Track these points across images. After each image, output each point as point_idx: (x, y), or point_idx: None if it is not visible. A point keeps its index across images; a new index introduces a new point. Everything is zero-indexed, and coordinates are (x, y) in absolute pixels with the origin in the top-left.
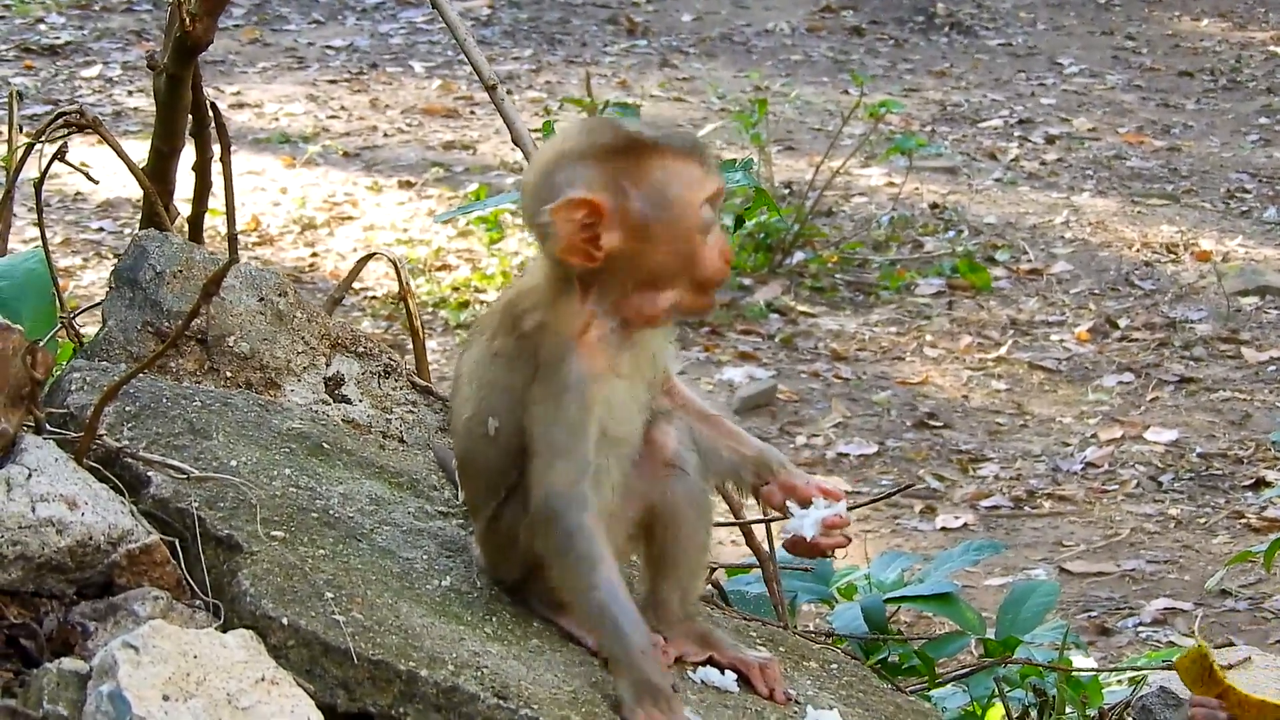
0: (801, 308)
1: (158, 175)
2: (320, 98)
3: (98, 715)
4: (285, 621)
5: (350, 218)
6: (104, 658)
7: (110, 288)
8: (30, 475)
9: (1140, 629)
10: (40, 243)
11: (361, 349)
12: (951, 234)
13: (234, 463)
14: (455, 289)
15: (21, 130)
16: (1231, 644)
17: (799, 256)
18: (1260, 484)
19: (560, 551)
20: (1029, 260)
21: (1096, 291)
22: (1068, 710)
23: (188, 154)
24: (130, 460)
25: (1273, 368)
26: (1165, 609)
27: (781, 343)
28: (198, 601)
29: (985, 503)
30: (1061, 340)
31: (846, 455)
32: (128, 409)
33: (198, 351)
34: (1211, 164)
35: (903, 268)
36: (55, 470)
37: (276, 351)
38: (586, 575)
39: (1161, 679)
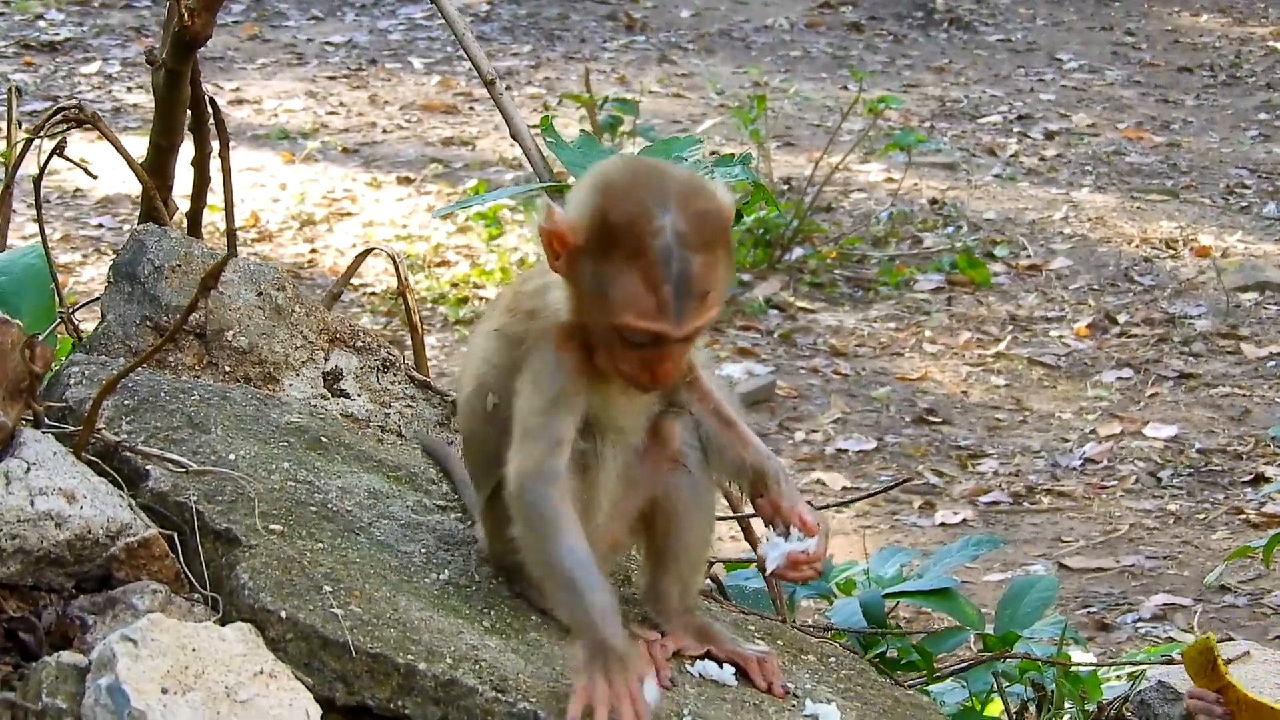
0: (800, 304)
1: (156, 170)
2: (319, 94)
3: (96, 708)
4: (284, 615)
5: (349, 214)
6: (103, 651)
7: (109, 282)
8: (29, 469)
9: (1139, 624)
10: (39, 238)
11: (360, 343)
12: (951, 230)
13: (232, 456)
14: (454, 285)
15: (21, 126)
16: (1231, 639)
17: (798, 252)
18: (1259, 479)
19: (526, 522)
20: (1028, 256)
21: (1096, 287)
22: (1066, 705)
23: (187, 150)
24: (129, 454)
25: (1272, 363)
26: (1164, 604)
27: (780, 339)
28: (196, 595)
29: (984, 498)
30: (1061, 336)
31: (845, 451)
32: (126, 403)
33: (196, 346)
34: (1211, 159)
35: (902, 264)
36: (54, 464)
37: (275, 346)
38: (550, 541)
39: (1160, 673)
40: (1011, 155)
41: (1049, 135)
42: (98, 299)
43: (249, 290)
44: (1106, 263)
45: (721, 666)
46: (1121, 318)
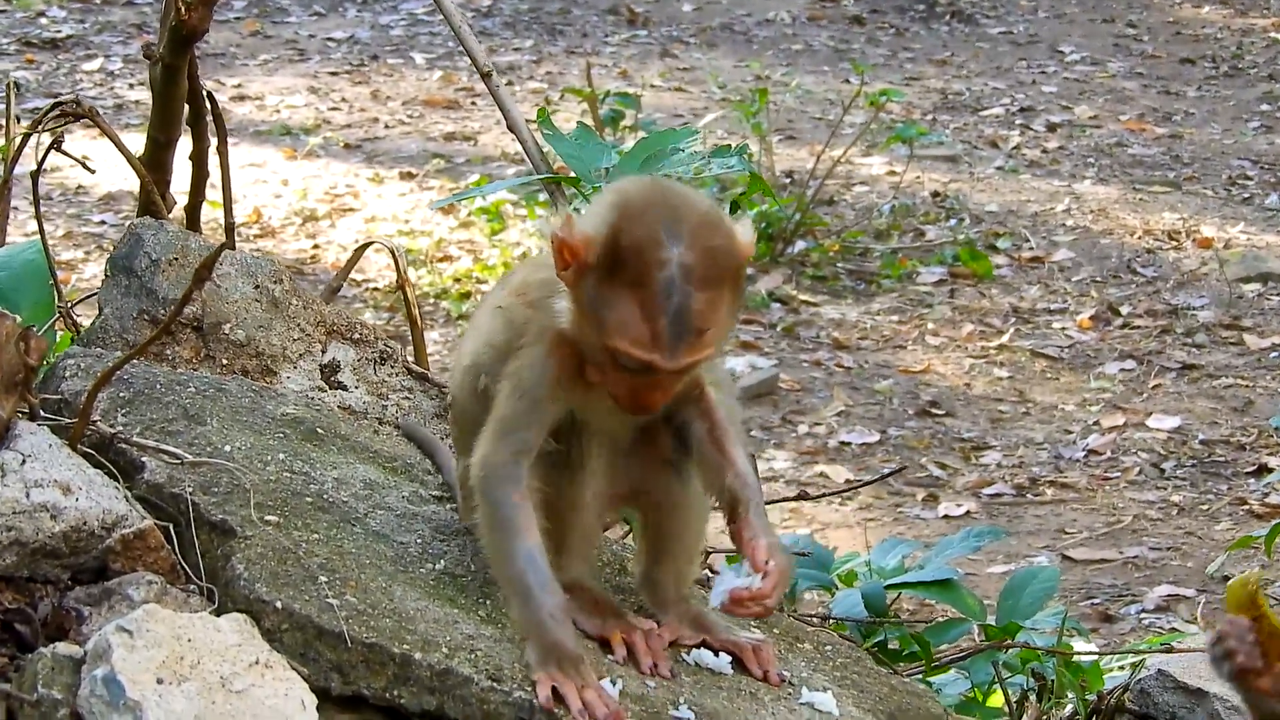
0: (803, 297)
1: (154, 165)
2: (321, 90)
3: (92, 699)
4: (279, 605)
5: (352, 209)
6: (98, 642)
7: (106, 276)
8: (24, 461)
9: (1143, 615)
10: (39, 234)
11: (357, 336)
12: (953, 222)
13: (228, 448)
14: (457, 280)
15: (20, 122)
16: None
17: (800, 245)
18: (1262, 470)
19: (486, 521)
20: (1031, 248)
21: (1098, 279)
22: (1067, 695)
23: (186, 145)
24: (124, 446)
25: (1275, 354)
26: (1168, 595)
27: (783, 332)
28: (192, 586)
29: (987, 490)
30: (1063, 328)
31: (849, 444)
32: (122, 395)
33: (194, 339)
34: (1213, 151)
35: (904, 256)
36: (49, 456)
37: (272, 339)
38: (507, 545)
39: (1160, 662)
40: (1014, 147)
41: (1051, 127)
42: (95, 294)
43: (246, 283)
44: (1109, 254)
45: (717, 655)
46: (1124, 309)
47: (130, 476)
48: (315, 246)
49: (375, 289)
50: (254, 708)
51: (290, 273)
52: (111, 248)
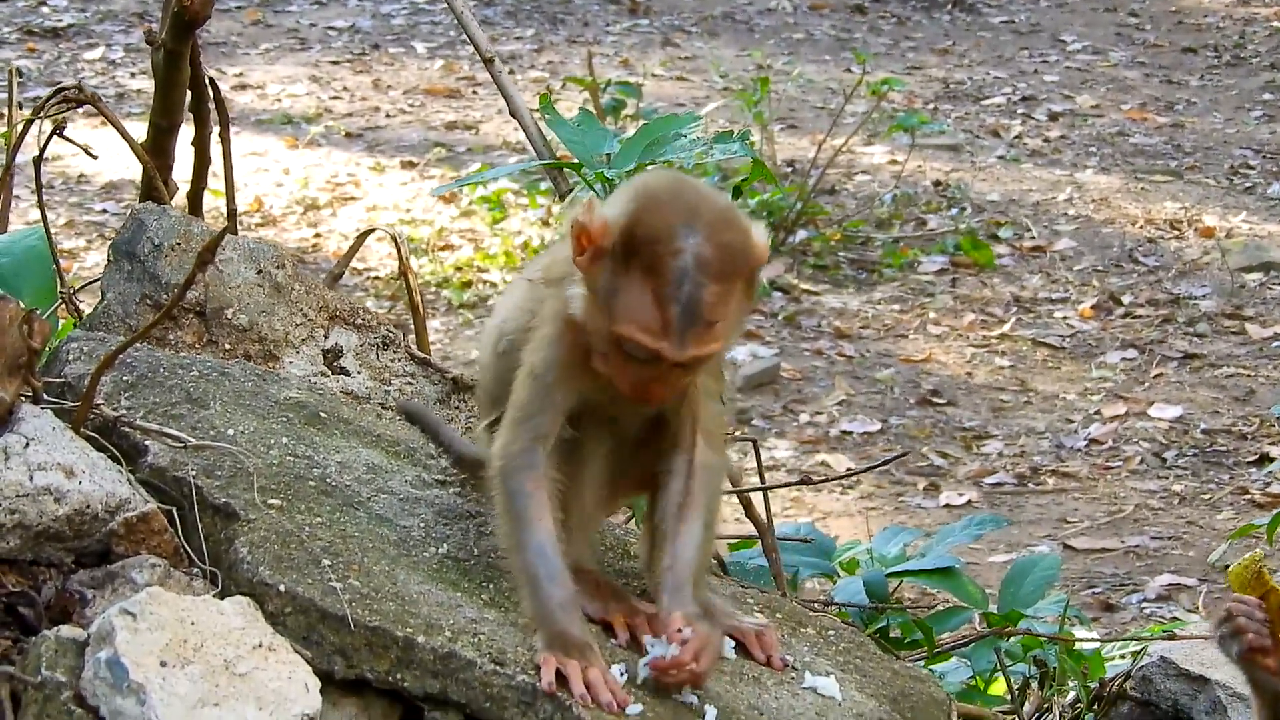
0: (804, 286)
1: (156, 151)
2: (323, 79)
3: (96, 681)
4: (282, 589)
5: (353, 198)
6: (102, 625)
7: (108, 261)
8: (28, 444)
9: (1144, 605)
10: (41, 221)
11: (360, 321)
12: (954, 211)
13: (231, 432)
14: (458, 269)
15: (22, 109)
16: None
17: (802, 235)
18: (1264, 460)
19: (502, 509)
20: (1032, 237)
21: (1100, 268)
22: (1069, 682)
23: (188, 132)
24: (128, 429)
25: (1276, 343)
26: (1169, 585)
27: (785, 321)
28: (195, 569)
29: (989, 480)
30: (1065, 317)
31: (850, 433)
32: (125, 379)
33: (196, 324)
34: (1215, 140)
35: (906, 245)
36: (53, 439)
37: (275, 324)
38: (519, 535)
39: (1162, 649)
40: (1015, 137)
41: (1053, 116)
42: (98, 280)
43: (249, 268)
44: (1111, 244)
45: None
46: (1126, 298)
47: (133, 460)
48: (317, 235)
49: (376, 277)
50: (257, 690)
51: (293, 258)
52: (113, 236)
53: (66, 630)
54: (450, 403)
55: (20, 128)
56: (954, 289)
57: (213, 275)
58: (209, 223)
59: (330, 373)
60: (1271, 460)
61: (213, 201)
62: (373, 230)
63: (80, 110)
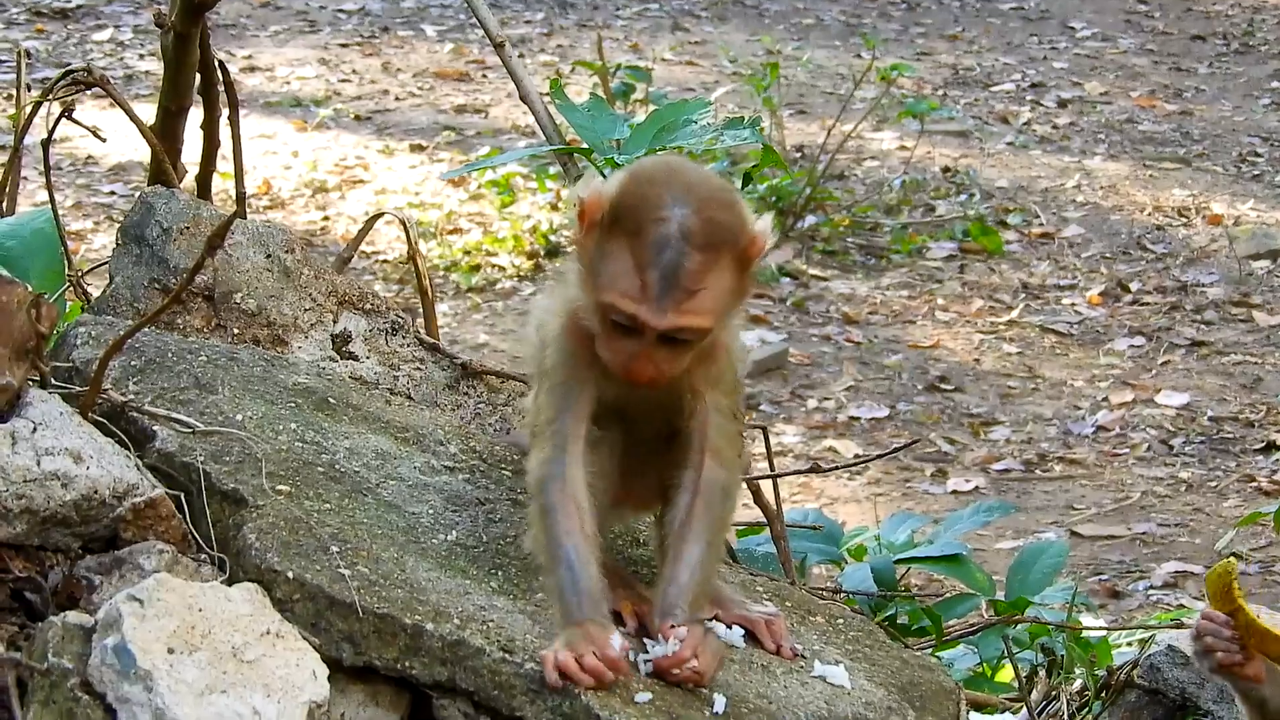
0: (813, 271)
1: (165, 134)
2: (332, 61)
3: (103, 668)
4: (291, 575)
5: (362, 181)
6: (109, 611)
7: (117, 244)
8: (35, 429)
9: (1151, 592)
10: (49, 203)
11: (369, 306)
12: (963, 198)
13: (239, 417)
14: (466, 252)
15: (30, 90)
16: None
17: (811, 220)
18: (1271, 447)
19: (535, 521)
20: (1040, 224)
21: (1108, 255)
22: (1076, 670)
23: (196, 115)
24: (136, 414)
25: None
26: (1176, 572)
27: (793, 306)
28: (203, 555)
29: (996, 466)
30: (1073, 304)
31: (858, 418)
32: (133, 363)
33: (205, 308)
34: (1223, 128)
35: (914, 231)
36: (60, 424)
37: (284, 308)
38: (544, 539)
39: (1170, 638)
40: (1024, 123)
41: (1062, 103)
42: (106, 263)
43: (258, 252)
44: (1119, 231)
45: (730, 628)
46: (1134, 285)
47: (141, 445)
48: (325, 218)
49: (385, 261)
50: (265, 678)
51: (302, 242)
52: (121, 218)
53: (73, 616)
54: (459, 388)
55: (29, 110)
56: (962, 275)
57: (221, 259)
58: (217, 206)
59: (339, 358)
60: (1278, 448)
61: (220, 184)
62: (382, 214)
63: (89, 92)
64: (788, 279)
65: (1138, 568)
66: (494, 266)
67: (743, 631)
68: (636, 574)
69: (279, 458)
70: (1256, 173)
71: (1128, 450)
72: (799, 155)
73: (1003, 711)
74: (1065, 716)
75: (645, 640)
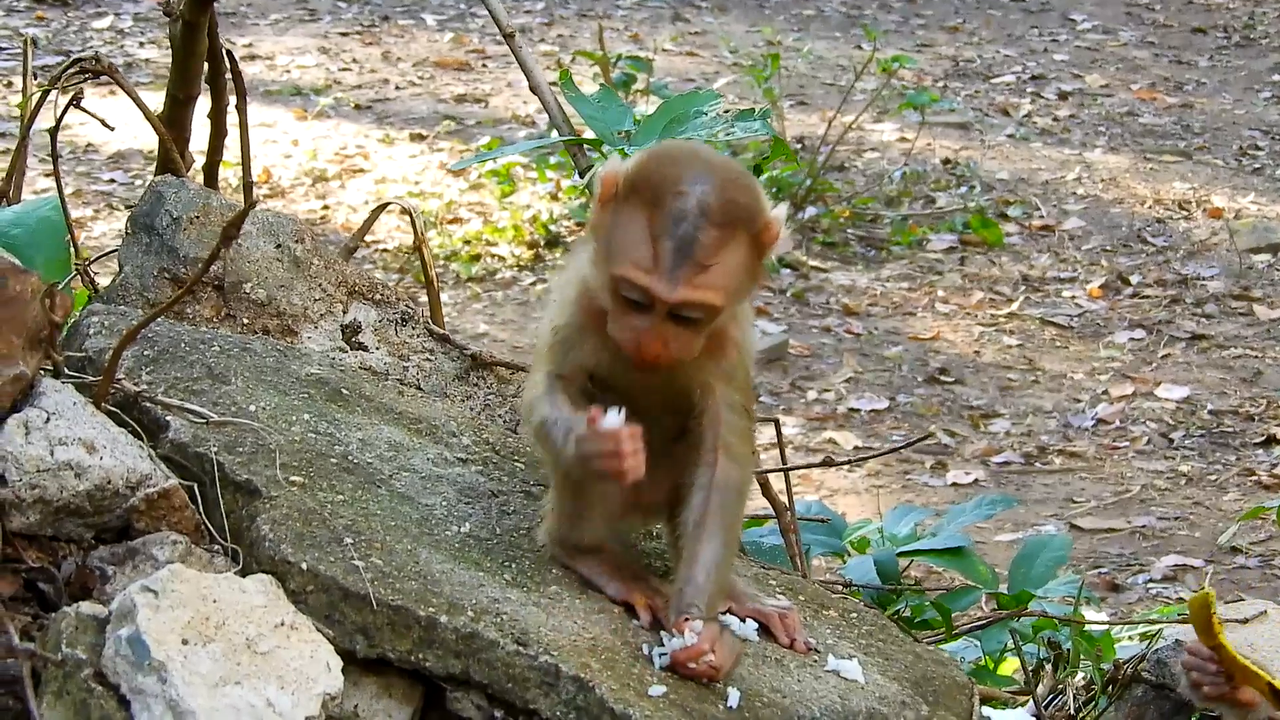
0: (813, 263)
1: (173, 123)
2: (332, 50)
3: (117, 659)
4: (304, 567)
5: (362, 170)
6: (123, 602)
7: (126, 233)
8: (49, 419)
9: (1150, 585)
10: (54, 191)
11: (379, 296)
12: (964, 190)
13: (253, 408)
14: (467, 242)
15: (35, 78)
16: (1242, 600)
17: (811, 211)
18: (1271, 441)
19: (537, 438)
20: (1041, 216)
21: (1108, 248)
22: (1083, 663)
23: (203, 104)
24: (149, 404)
25: None
26: (1175, 565)
27: (793, 297)
28: (216, 546)
29: (996, 458)
30: (1073, 296)
31: (858, 410)
32: (146, 353)
33: (214, 298)
34: (1224, 121)
35: (915, 223)
36: (74, 414)
37: (293, 298)
38: (536, 421)
39: (1176, 632)
40: (1025, 115)
41: (1062, 95)
42: (115, 251)
43: (268, 242)
44: (1119, 223)
45: (744, 622)
46: (1134, 279)
47: (154, 435)
48: (325, 207)
49: (385, 250)
50: (279, 669)
51: (312, 232)
52: (121, 206)
53: (87, 607)
54: (469, 379)
55: (36, 98)
56: (962, 267)
57: (231, 249)
58: (226, 196)
59: (348, 348)
60: (1278, 442)
61: (223, 173)
62: (388, 204)
63: (94, 80)
64: (788, 270)
65: (1137, 561)
66: (494, 256)
67: (756, 625)
68: (649, 568)
69: (292, 449)
70: (1257, 166)
71: (1127, 443)
72: (800, 147)
73: (1005, 705)
74: (1071, 710)
75: (662, 634)
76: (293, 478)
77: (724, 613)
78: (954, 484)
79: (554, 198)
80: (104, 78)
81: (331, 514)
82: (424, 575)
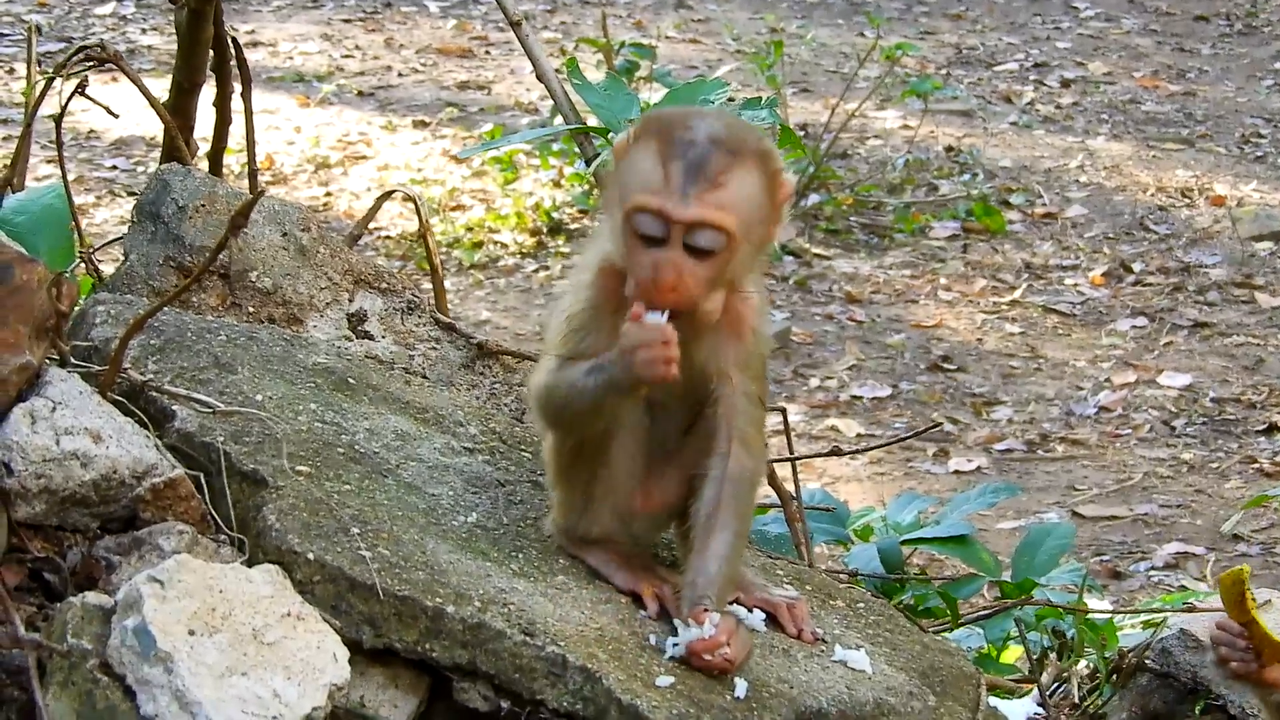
0: (816, 250)
1: (178, 110)
2: (335, 37)
3: (122, 649)
4: (311, 557)
5: (364, 157)
6: (129, 592)
7: (131, 222)
8: (55, 408)
9: (1152, 573)
10: (57, 178)
11: (384, 284)
12: (966, 177)
13: (259, 397)
14: (469, 229)
15: (40, 65)
16: None
17: (814, 199)
18: (1273, 429)
19: (552, 409)
20: (1044, 204)
21: (1111, 235)
22: (1087, 651)
23: (207, 91)
24: (155, 394)
25: None
26: (1177, 553)
27: (796, 285)
28: (223, 536)
29: (998, 446)
30: (1075, 284)
31: (860, 398)
32: (152, 343)
33: (220, 287)
34: (1227, 109)
35: (917, 211)
36: (80, 403)
37: (299, 286)
38: (560, 388)
39: (1181, 621)
40: (1028, 103)
41: (1065, 83)
42: (120, 239)
43: (273, 231)
44: (1122, 211)
45: (751, 612)
46: (1136, 266)
47: (161, 425)
48: (328, 194)
49: (387, 237)
50: (286, 660)
51: (318, 220)
52: (124, 192)
53: (93, 597)
54: (474, 368)
55: (41, 86)
56: (965, 255)
57: (238, 237)
58: (232, 184)
59: (354, 337)
60: None
61: (226, 159)
62: (393, 192)
63: (99, 67)
64: (790, 257)
65: (1139, 548)
66: (496, 243)
67: (764, 615)
68: (656, 558)
69: (299, 438)
70: (1260, 154)
71: (1130, 431)
72: (803, 134)
73: (1010, 694)
74: (1075, 699)
75: (676, 623)
76: (299, 467)
77: (732, 602)
78: (956, 471)
79: (557, 185)
80: (107, 64)
81: (338, 504)
82: (431, 565)
